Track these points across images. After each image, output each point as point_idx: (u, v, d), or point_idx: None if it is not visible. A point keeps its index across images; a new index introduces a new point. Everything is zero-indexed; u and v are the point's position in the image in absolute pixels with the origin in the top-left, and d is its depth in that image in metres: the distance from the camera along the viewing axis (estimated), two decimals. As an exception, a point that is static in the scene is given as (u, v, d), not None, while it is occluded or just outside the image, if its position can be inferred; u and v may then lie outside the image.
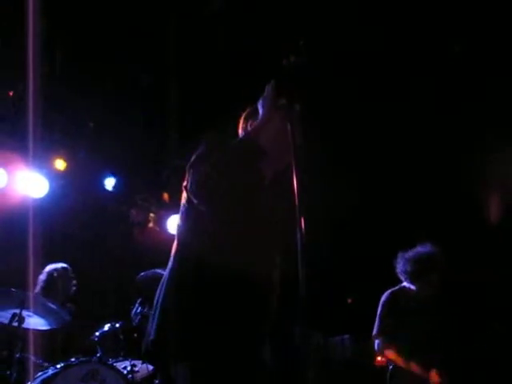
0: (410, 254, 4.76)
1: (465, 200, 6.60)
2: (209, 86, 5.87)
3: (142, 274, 5.03)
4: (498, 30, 5.45)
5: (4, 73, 5.78)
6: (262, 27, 5.57)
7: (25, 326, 4.47)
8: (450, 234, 6.19)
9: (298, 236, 2.35)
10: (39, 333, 4.75)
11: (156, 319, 2.50)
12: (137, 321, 4.86)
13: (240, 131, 2.85)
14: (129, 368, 4.62)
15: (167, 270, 2.58)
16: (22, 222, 5.83)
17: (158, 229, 7.64)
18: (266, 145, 2.57)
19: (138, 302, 4.94)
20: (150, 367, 4.62)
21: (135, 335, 4.83)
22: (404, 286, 4.79)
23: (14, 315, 4.38)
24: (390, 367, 4.64)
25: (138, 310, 4.90)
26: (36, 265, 5.36)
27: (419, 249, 4.75)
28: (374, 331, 4.68)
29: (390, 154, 6.61)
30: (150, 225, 7.65)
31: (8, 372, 4.25)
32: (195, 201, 2.52)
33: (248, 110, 2.87)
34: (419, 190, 6.69)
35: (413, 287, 4.73)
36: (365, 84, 6.01)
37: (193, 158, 2.60)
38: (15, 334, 4.40)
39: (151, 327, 2.51)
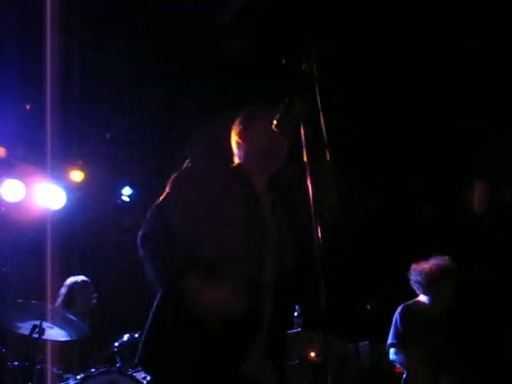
0: (423, 265, 4.82)
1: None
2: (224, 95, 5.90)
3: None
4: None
5: (21, 86, 5.84)
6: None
7: (45, 337, 4.50)
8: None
9: (316, 245, 2.35)
10: (59, 344, 4.77)
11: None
12: (156, 331, 4.86)
13: (234, 135, 2.91)
14: (148, 378, 4.62)
15: None
16: (41, 233, 5.87)
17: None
18: (256, 156, 2.77)
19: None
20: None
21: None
22: (418, 300, 4.86)
23: (34, 327, 4.41)
24: (404, 375, 4.70)
25: (157, 320, 4.90)
26: (54, 277, 5.38)
27: (432, 260, 4.82)
28: (389, 341, 4.79)
29: (412, 155, 6.56)
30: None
31: (29, 383, 4.28)
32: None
33: (243, 115, 2.93)
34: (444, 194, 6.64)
35: (427, 302, 4.80)
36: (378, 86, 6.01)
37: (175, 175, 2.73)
38: (36, 345, 4.42)
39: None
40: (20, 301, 4.50)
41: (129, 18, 5.57)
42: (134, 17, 5.59)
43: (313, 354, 5.75)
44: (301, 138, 2.53)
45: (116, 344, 4.94)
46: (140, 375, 4.68)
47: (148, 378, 4.62)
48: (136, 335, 4.94)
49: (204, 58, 5.86)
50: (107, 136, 6.98)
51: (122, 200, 7.34)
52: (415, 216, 6.81)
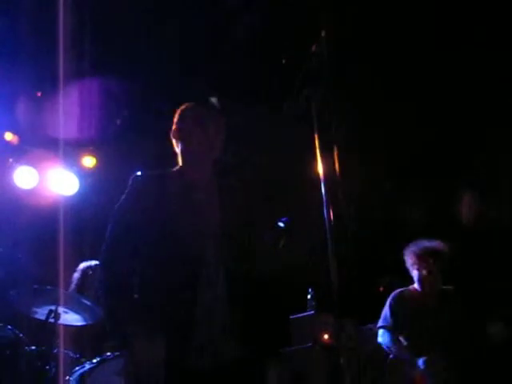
0: (415, 245, 4.85)
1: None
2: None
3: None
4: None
5: (33, 73, 5.85)
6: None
7: (61, 321, 4.54)
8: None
9: (328, 228, 2.36)
10: (75, 328, 4.81)
11: None
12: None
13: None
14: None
15: None
16: (54, 219, 5.90)
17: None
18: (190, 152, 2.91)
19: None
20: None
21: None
22: (412, 287, 4.89)
23: (50, 312, 4.45)
24: (390, 356, 4.75)
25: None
26: (68, 262, 5.42)
27: (424, 242, 4.84)
28: (379, 324, 4.86)
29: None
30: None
31: (47, 367, 4.33)
32: None
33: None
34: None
35: (418, 288, 4.83)
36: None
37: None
38: (52, 329, 4.47)
39: None
40: (35, 286, 4.54)
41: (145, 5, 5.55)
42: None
43: (326, 337, 5.77)
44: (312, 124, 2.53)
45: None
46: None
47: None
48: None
49: (219, 39, 5.84)
50: (118, 122, 6.98)
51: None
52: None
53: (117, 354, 4.61)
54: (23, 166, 6.29)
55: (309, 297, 6.19)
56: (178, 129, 2.94)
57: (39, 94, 6.18)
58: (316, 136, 2.51)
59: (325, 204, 2.42)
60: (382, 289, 5.82)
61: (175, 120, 2.96)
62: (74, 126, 6.12)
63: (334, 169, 2.45)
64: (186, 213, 2.69)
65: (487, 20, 5.42)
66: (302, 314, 6.25)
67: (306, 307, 6.22)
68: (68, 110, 5.78)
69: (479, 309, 4.65)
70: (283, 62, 2.56)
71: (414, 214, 6.56)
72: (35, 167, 6.33)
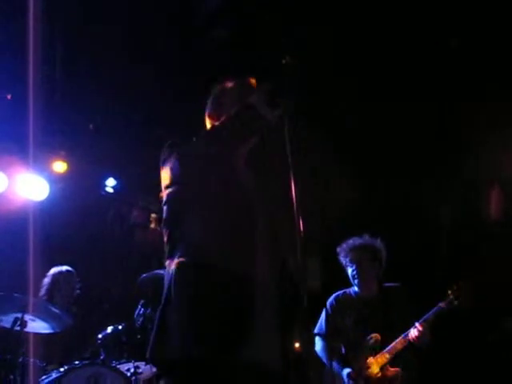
0: (346, 243, 4.72)
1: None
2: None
3: (144, 275, 5.02)
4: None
5: (2, 75, 5.77)
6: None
7: (27, 329, 4.46)
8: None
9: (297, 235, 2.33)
10: (42, 336, 4.73)
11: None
12: (140, 322, 4.84)
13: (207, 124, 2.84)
14: (132, 370, 4.61)
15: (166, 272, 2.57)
16: (23, 225, 5.81)
17: (159, 229, 7.62)
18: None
19: (141, 303, 4.93)
20: (154, 369, 4.60)
21: (138, 337, 4.82)
22: (350, 290, 4.75)
23: (16, 319, 4.37)
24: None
25: (141, 312, 4.88)
26: (37, 268, 5.34)
27: (355, 238, 4.70)
28: (316, 330, 4.67)
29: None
30: (152, 225, 7.64)
31: (12, 376, 4.24)
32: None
33: (210, 101, 2.86)
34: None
35: (357, 289, 4.68)
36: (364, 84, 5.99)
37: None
38: (18, 338, 4.39)
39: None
40: (1, 293, 4.45)
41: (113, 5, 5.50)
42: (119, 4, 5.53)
43: (297, 345, 5.74)
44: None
45: (100, 336, 4.91)
46: (124, 367, 4.67)
47: (132, 370, 4.61)
48: (120, 327, 4.92)
49: (192, 46, 5.81)
50: (91, 127, 6.92)
51: (106, 191, 7.29)
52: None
53: (85, 362, 4.56)
54: (-8, 170, 6.19)
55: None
56: None
57: (9, 97, 6.09)
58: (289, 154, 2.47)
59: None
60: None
61: None
62: (45, 130, 6.03)
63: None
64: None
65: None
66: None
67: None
68: (39, 114, 5.69)
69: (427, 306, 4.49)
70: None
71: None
72: (4, 171, 6.23)
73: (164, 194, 2.65)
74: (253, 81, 2.76)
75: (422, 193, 6.56)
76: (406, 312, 4.44)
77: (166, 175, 2.65)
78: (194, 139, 2.67)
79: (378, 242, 4.67)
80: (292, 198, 2.37)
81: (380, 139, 6.44)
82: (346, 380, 4.38)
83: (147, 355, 2.53)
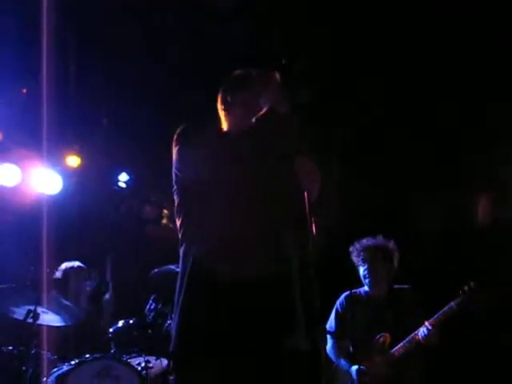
0: (359, 243, 4.73)
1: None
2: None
3: (156, 270, 5.03)
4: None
5: (17, 70, 5.80)
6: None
7: (39, 322, 4.49)
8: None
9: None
10: (54, 329, 4.76)
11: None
12: (150, 317, 4.86)
13: (220, 103, 2.78)
14: (143, 364, 4.62)
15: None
16: (36, 219, 5.85)
17: (171, 225, 7.64)
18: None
19: (152, 298, 4.95)
20: (164, 363, 4.62)
21: (149, 331, 4.83)
22: (360, 290, 4.76)
23: (28, 312, 4.40)
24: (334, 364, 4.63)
25: (152, 307, 4.90)
26: (50, 262, 5.37)
27: (368, 239, 4.71)
28: (327, 327, 4.67)
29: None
30: (164, 221, 7.65)
31: (24, 368, 4.28)
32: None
33: (228, 81, 2.80)
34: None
35: (367, 289, 4.70)
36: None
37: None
38: (30, 330, 4.42)
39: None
40: (14, 286, 4.49)
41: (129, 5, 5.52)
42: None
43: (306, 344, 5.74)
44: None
45: (111, 330, 4.94)
46: (134, 361, 4.68)
47: (142, 364, 4.63)
48: (131, 321, 4.94)
49: (205, 47, 5.82)
50: (104, 121, 6.94)
51: (119, 186, 7.32)
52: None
53: (95, 356, 4.58)
54: (6, 163, 6.22)
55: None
56: None
57: (24, 91, 6.12)
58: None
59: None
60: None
61: None
62: (59, 124, 6.06)
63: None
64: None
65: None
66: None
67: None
68: (52, 108, 5.72)
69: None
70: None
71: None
72: (18, 165, 6.26)
73: (174, 184, 2.65)
74: (271, 73, 2.67)
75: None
76: (414, 314, 4.46)
77: (176, 161, 2.63)
78: (210, 130, 2.66)
79: (392, 243, 4.69)
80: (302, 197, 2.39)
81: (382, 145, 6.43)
82: (354, 376, 4.40)
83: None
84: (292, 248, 2.54)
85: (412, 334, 4.35)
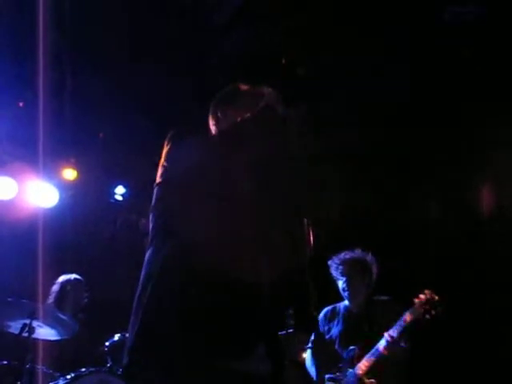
0: (337, 257, 4.74)
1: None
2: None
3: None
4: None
5: (14, 83, 5.81)
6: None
7: (35, 336, 4.47)
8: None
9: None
10: (49, 343, 4.75)
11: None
12: (147, 331, 4.84)
13: (211, 119, 2.77)
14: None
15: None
16: (32, 232, 5.84)
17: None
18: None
19: (148, 311, 4.92)
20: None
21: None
22: (337, 305, 4.79)
23: (24, 325, 4.39)
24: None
25: (148, 320, 4.88)
26: (46, 275, 5.36)
27: (346, 252, 4.73)
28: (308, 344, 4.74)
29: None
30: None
31: (18, 382, 4.25)
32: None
33: (219, 97, 2.79)
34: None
35: (346, 303, 4.72)
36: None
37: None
38: (25, 344, 4.40)
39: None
40: (10, 299, 4.46)
41: (124, 17, 5.53)
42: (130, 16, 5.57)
43: (304, 356, 5.73)
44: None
45: (107, 344, 4.92)
46: (130, 375, 4.65)
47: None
48: (127, 335, 4.91)
49: (202, 57, 5.83)
50: (100, 134, 6.95)
51: (115, 199, 7.31)
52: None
53: (91, 369, 4.56)
54: (2, 176, 6.22)
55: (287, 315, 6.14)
56: None
57: (21, 104, 6.13)
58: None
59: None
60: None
61: None
62: (55, 137, 6.07)
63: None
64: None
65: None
66: (279, 333, 6.20)
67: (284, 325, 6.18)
68: (49, 121, 5.73)
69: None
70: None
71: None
72: (14, 178, 6.26)
73: (159, 178, 2.61)
74: (266, 90, 2.66)
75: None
76: (392, 325, 4.37)
77: (164, 162, 2.60)
78: (200, 134, 2.65)
79: (370, 256, 4.72)
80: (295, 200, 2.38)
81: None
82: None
83: None
84: (280, 252, 2.49)
85: (375, 347, 4.33)
